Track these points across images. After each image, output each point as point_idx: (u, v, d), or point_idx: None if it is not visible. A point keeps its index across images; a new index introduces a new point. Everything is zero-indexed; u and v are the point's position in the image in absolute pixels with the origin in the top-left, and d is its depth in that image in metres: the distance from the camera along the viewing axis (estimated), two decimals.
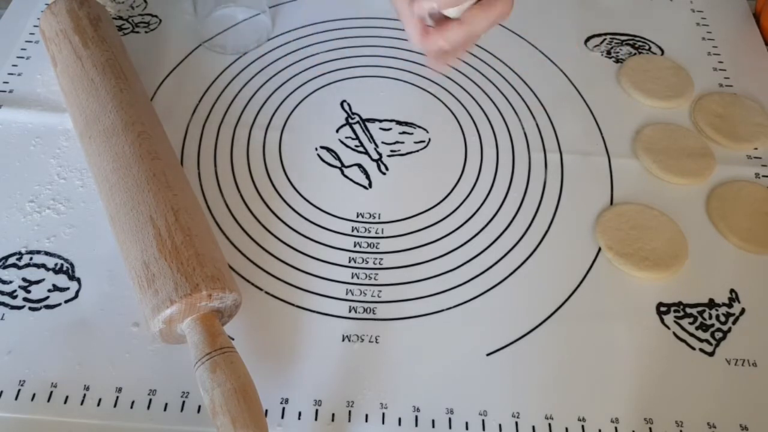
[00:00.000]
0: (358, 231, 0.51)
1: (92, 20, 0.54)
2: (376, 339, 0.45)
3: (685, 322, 0.47)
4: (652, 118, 0.59)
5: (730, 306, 0.48)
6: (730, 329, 0.46)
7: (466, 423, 0.42)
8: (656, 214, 0.52)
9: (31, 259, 0.48)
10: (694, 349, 0.46)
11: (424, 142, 0.56)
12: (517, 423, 0.42)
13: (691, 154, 0.56)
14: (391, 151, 0.56)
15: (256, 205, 0.52)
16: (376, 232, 0.51)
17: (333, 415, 0.42)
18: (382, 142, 0.56)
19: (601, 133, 0.58)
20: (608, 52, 0.64)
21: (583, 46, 0.65)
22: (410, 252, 0.50)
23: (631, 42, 0.65)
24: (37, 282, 0.47)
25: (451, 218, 0.52)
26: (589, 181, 0.54)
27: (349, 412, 0.42)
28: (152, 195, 0.44)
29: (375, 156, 0.55)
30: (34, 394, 0.42)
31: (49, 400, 0.41)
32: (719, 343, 0.46)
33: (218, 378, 0.38)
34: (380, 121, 0.58)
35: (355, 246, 0.50)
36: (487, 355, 0.45)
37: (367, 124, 0.57)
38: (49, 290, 0.46)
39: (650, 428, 0.42)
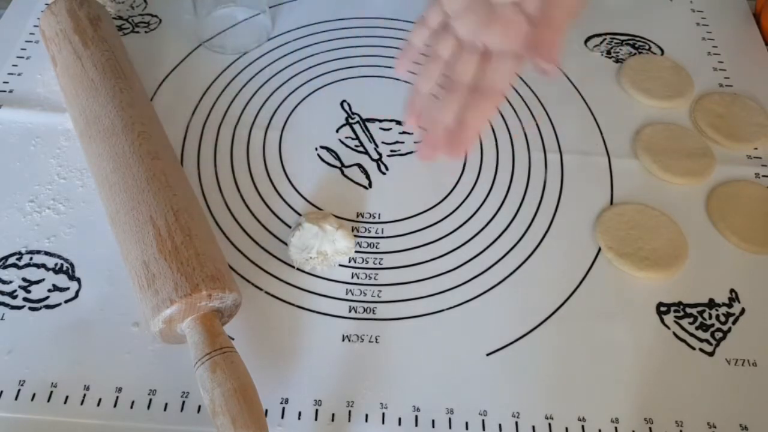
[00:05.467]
0: (358, 231, 0.51)
1: (92, 20, 0.54)
2: (376, 339, 0.45)
3: (685, 322, 0.47)
4: (652, 118, 0.59)
5: (730, 306, 0.48)
6: (730, 329, 0.46)
7: (466, 423, 0.42)
8: (656, 214, 0.52)
9: (31, 259, 0.48)
10: (694, 349, 0.46)
11: None
12: (517, 423, 0.42)
13: (691, 154, 0.55)
14: (391, 151, 0.56)
15: (256, 205, 0.52)
16: (376, 232, 0.51)
17: (333, 415, 0.42)
18: (382, 142, 0.56)
19: (601, 133, 0.58)
20: (608, 52, 0.64)
21: (583, 46, 0.65)
22: (410, 252, 0.50)
23: (631, 42, 0.65)
24: (37, 282, 0.46)
25: (451, 218, 0.52)
26: (589, 181, 0.54)
27: (349, 412, 0.42)
28: (152, 195, 0.44)
29: (375, 156, 0.55)
30: (34, 394, 0.42)
31: (49, 400, 0.41)
32: (719, 343, 0.46)
33: (218, 378, 0.38)
34: (380, 121, 0.58)
35: (355, 246, 0.50)
36: (487, 355, 0.45)
37: (367, 124, 0.57)
38: (49, 290, 0.46)
39: (650, 428, 0.42)
